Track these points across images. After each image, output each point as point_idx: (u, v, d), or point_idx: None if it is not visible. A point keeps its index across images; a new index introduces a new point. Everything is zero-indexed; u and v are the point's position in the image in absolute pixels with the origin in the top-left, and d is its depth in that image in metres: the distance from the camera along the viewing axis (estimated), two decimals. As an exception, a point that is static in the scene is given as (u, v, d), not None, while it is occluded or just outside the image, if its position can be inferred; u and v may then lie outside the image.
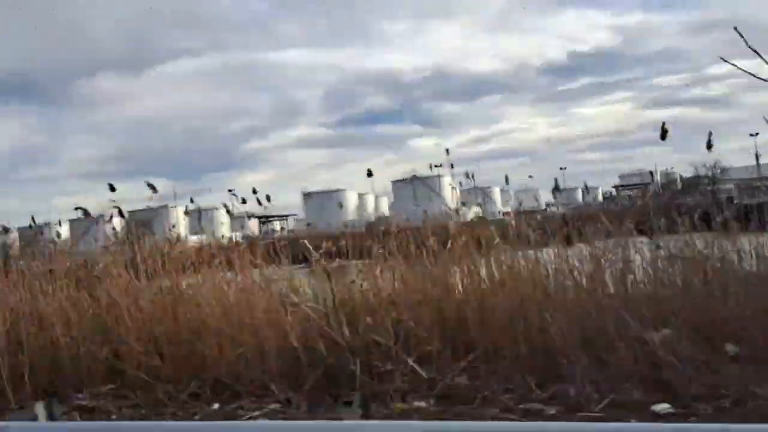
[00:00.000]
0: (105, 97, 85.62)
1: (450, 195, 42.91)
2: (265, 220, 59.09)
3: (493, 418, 4.20)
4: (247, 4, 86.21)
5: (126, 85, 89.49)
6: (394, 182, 61.43)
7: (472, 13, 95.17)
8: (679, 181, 55.35)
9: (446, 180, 48.18)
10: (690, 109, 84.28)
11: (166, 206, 53.43)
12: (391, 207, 59.70)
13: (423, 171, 58.35)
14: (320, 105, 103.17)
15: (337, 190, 63.45)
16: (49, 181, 79.65)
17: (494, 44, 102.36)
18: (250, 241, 9.45)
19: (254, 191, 9.98)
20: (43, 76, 76.23)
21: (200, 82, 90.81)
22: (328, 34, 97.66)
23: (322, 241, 6.65)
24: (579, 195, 53.70)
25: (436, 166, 41.16)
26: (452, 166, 11.61)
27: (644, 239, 6.09)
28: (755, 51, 4.68)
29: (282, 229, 63.21)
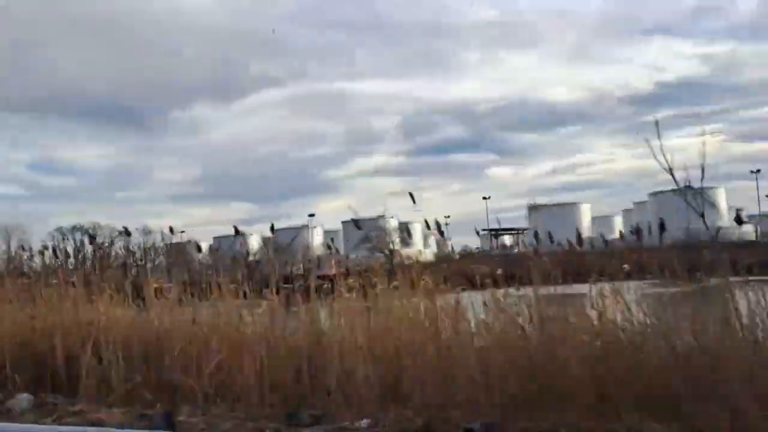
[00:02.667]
0: (194, 124, 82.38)
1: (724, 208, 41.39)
2: (496, 233, 58.92)
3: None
4: (325, 34, 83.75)
5: (213, 113, 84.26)
6: (653, 194, 54.47)
7: (550, 42, 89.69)
8: None
9: (721, 191, 43.46)
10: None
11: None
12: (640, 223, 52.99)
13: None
14: (396, 134, 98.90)
15: (572, 204, 62.20)
16: (141, 202, 78.69)
17: (573, 74, 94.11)
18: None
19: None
20: (138, 103, 74.07)
21: (282, 111, 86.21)
22: (404, 63, 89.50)
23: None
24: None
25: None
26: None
27: None
28: None
29: (514, 244, 59.39)
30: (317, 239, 59.21)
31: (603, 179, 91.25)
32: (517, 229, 59.35)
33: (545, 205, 58.30)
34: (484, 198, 62.96)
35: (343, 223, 57.85)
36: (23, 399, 6.10)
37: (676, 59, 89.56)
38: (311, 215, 57.84)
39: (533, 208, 57.40)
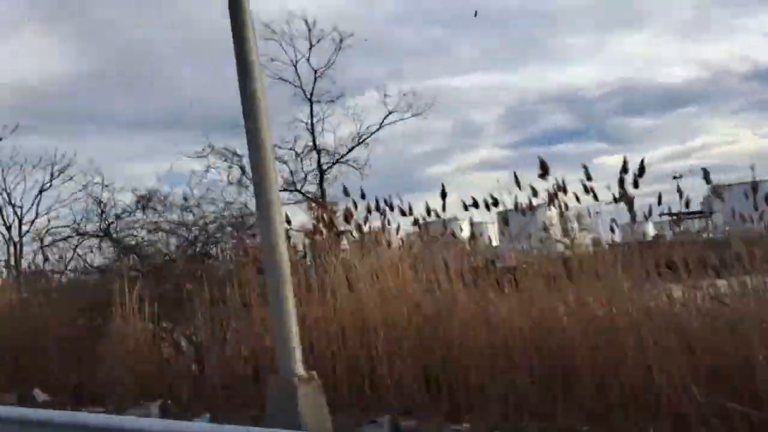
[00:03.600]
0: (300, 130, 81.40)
1: None
2: (678, 218, 58.47)
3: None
4: (422, 32, 78.98)
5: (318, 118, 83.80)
6: None
7: (661, 19, 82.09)
8: None
9: None
10: None
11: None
12: None
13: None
14: (499, 126, 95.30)
15: (765, 181, 52.02)
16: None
17: (688, 51, 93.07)
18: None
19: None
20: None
21: (383, 111, 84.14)
22: (506, 54, 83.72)
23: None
24: None
25: None
26: None
27: None
28: None
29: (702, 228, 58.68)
30: (465, 232, 56.30)
31: (724, 163, 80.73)
32: (702, 212, 52.11)
33: (734, 184, 50.24)
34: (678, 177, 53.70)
35: (498, 214, 53.10)
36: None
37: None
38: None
39: (718, 188, 49.60)
